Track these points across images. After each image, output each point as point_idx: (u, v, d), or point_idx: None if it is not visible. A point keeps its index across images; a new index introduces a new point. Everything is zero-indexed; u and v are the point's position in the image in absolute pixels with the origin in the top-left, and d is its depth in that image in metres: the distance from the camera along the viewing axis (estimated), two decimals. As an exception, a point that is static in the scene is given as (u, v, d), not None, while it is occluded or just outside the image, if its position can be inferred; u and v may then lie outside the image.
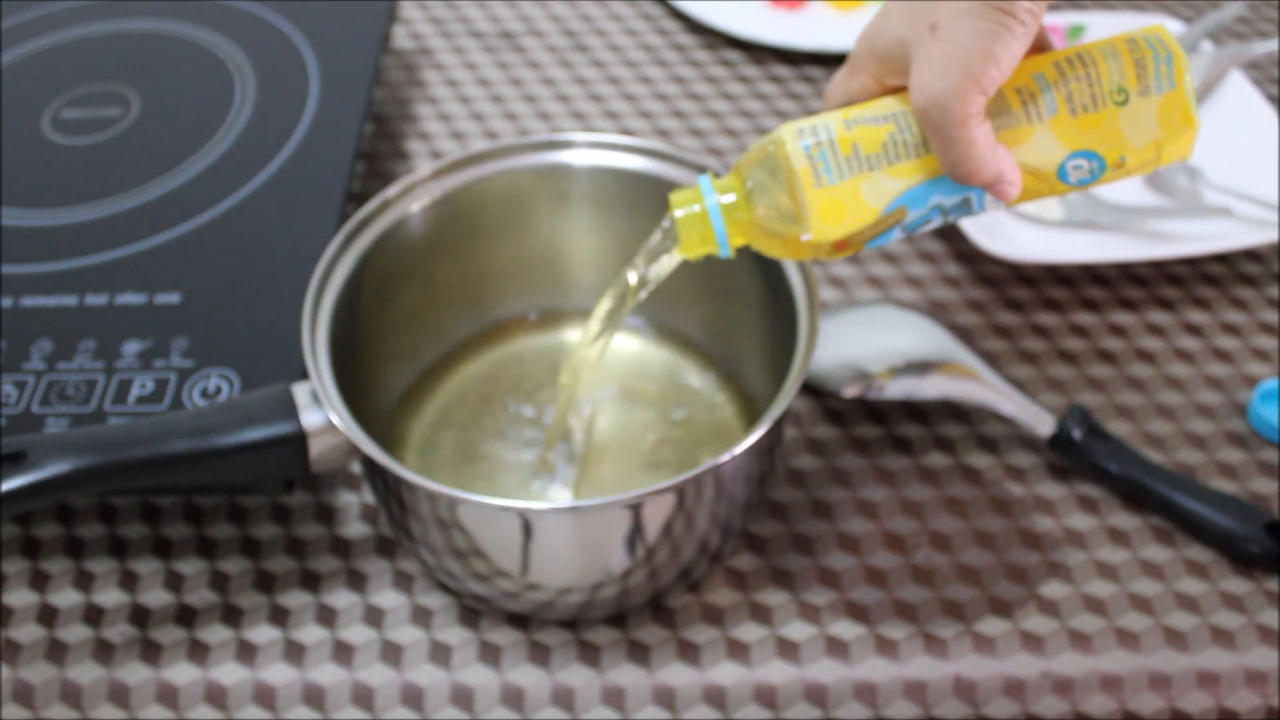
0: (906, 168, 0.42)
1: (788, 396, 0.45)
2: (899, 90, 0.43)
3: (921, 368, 0.57)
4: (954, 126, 0.39)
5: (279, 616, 0.50)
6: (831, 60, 0.77)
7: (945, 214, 0.43)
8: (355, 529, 0.53)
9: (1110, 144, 0.42)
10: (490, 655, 0.49)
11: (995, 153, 0.40)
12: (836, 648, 0.49)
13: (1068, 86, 0.41)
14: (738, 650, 0.49)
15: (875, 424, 0.57)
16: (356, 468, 0.55)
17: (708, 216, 0.44)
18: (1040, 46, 0.43)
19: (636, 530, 0.44)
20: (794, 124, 0.43)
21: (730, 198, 0.44)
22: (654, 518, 0.44)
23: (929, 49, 0.40)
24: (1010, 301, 0.63)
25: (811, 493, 0.54)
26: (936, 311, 0.61)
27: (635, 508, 0.44)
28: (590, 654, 0.49)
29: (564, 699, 0.48)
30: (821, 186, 0.42)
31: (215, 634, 0.49)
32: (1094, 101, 0.41)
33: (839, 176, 0.42)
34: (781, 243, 0.43)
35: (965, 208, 0.43)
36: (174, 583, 0.51)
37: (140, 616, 0.50)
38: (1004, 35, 0.38)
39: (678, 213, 0.44)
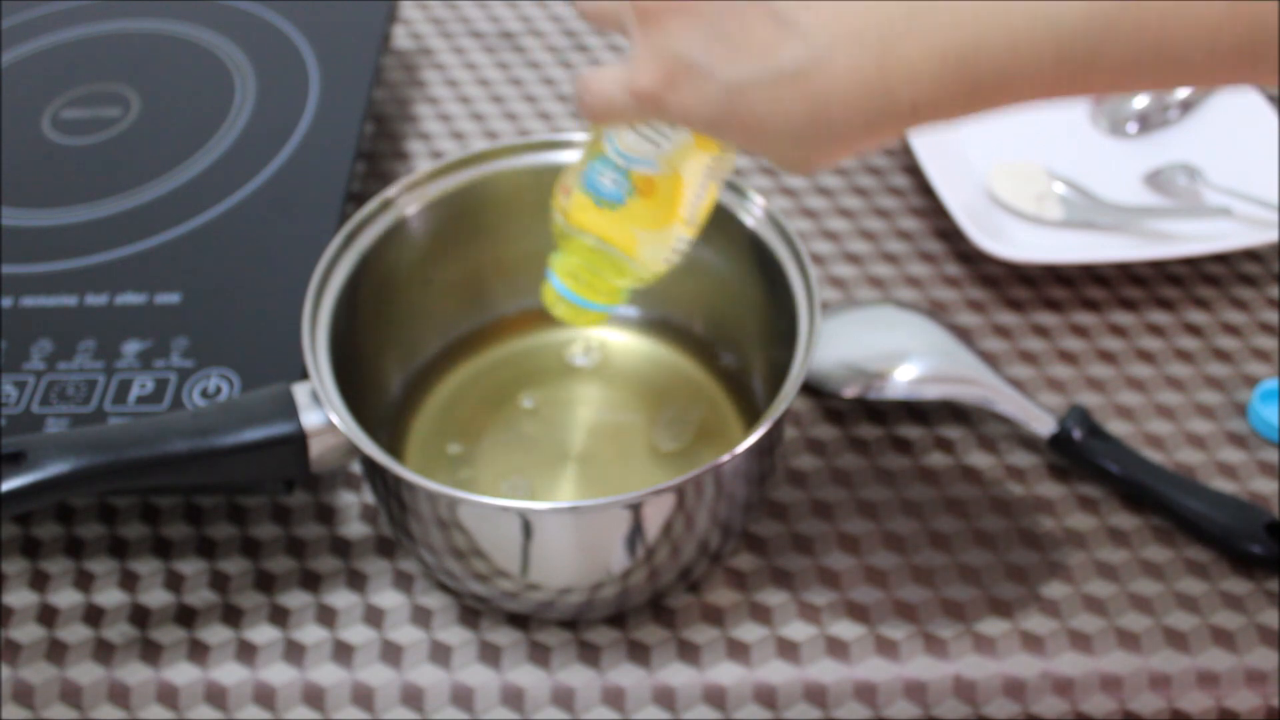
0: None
1: (788, 396, 0.45)
2: None
3: (921, 368, 0.56)
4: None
5: (279, 616, 0.50)
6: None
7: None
8: (355, 529, 0.53)
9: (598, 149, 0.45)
10: (490, 655, 0.49)
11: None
12: (836, 648, 0.49)
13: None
14: (738, 650, 0.49)
15: (875, 424, 0.57)
16: (356, 468, 0.55)
17: (566, 300, 0.47)
18: None
19: (636, 530, 0.44)
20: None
21: (570, 265, 0.47)
22: (654, 518, 0.44)
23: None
24: (1010, 301, 0.63)
25: (811, 493, 0.54)
26: (936, 311, 0.61)
27: (635, 508, 0.44)
28: (590, 654, 0.49)
29: (564, 699, 0.48)
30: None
31: (215, 634, 0.49)
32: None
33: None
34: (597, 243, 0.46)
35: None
36: (174, 583, 0.51)
37: (140, 616, 0.50)
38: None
39: (558, 312, 0.48)
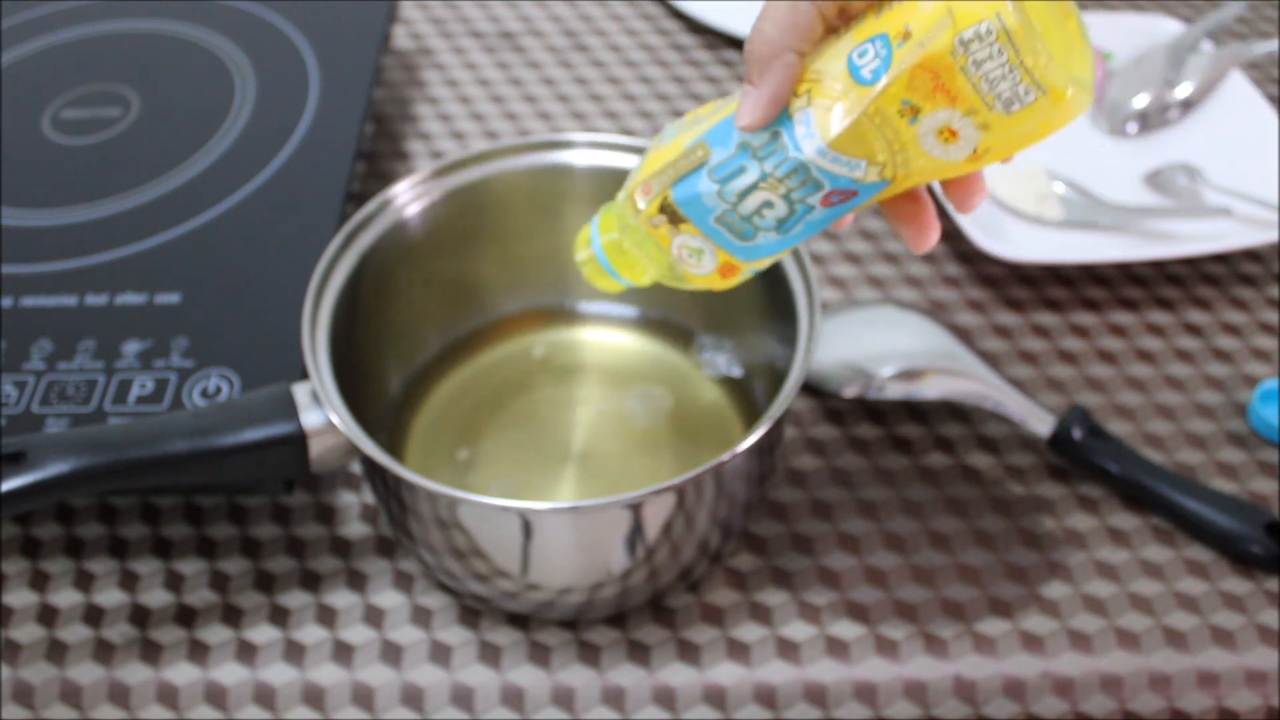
0: (718, 114, 0.40)
1: (788, 397, 0.45)
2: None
3: (921, 368, 0.56)
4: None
5: (279, 616, 0.50)
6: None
7: (758, 158, 0.39)
8: (355, 529, 0.53)
9: (896, 20, 0.36)
10: (490, 655, 0.49)
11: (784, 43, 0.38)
12: (836, 648, 0.49)
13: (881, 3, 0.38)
14: (738, 650, 0.49)
15: (875, 424, 0.57)
16: (356, 468, 0.55)
17: (598, 261, 0.44)
18: None
19: (636, 530, 0.44)
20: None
21: (613, 236, 0.44)
22: (654, 518, 0.44)
23: None
24: (1010, 301, 0.63)
25: (811, 493, 0.54)
26: (936, 311, 0.61)
27: (635, 508, 0.44)
28: (590, 654, 0.49)
29: (564, 699, 0.48)
30: (652, 150, 0.42)
31: (215, 634, 0.49)
32: None
33: (669, 135, 0.41)
34: (638, 240, 0.43)
35: (777, 144, 0.39)
36: (174, 583, 0.51)
37: (140, 616, 0.50)
38: None
39: (578, 257, 0.45)
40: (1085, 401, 0.58)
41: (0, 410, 0.51)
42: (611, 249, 0.44)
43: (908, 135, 0.37)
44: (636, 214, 0.42)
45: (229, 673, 0.48)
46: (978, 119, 0.36)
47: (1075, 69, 0.36)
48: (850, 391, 0.56)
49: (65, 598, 0.50)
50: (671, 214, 0.41)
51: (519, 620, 0.50)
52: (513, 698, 0.48)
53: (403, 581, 0.51)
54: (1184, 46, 0.72)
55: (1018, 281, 0.64)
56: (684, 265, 0.42)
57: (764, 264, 0.42)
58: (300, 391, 0.46)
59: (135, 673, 0.48)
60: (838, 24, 0.38)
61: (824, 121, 0.38)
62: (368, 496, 0.54)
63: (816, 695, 0.48)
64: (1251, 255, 0.65)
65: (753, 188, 0.40)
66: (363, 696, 0.48)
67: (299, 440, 0.45)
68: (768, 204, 0.40)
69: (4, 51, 0.71)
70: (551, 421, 0.56)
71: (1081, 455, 0.54)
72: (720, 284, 0.43)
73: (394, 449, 0.54)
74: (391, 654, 0.49)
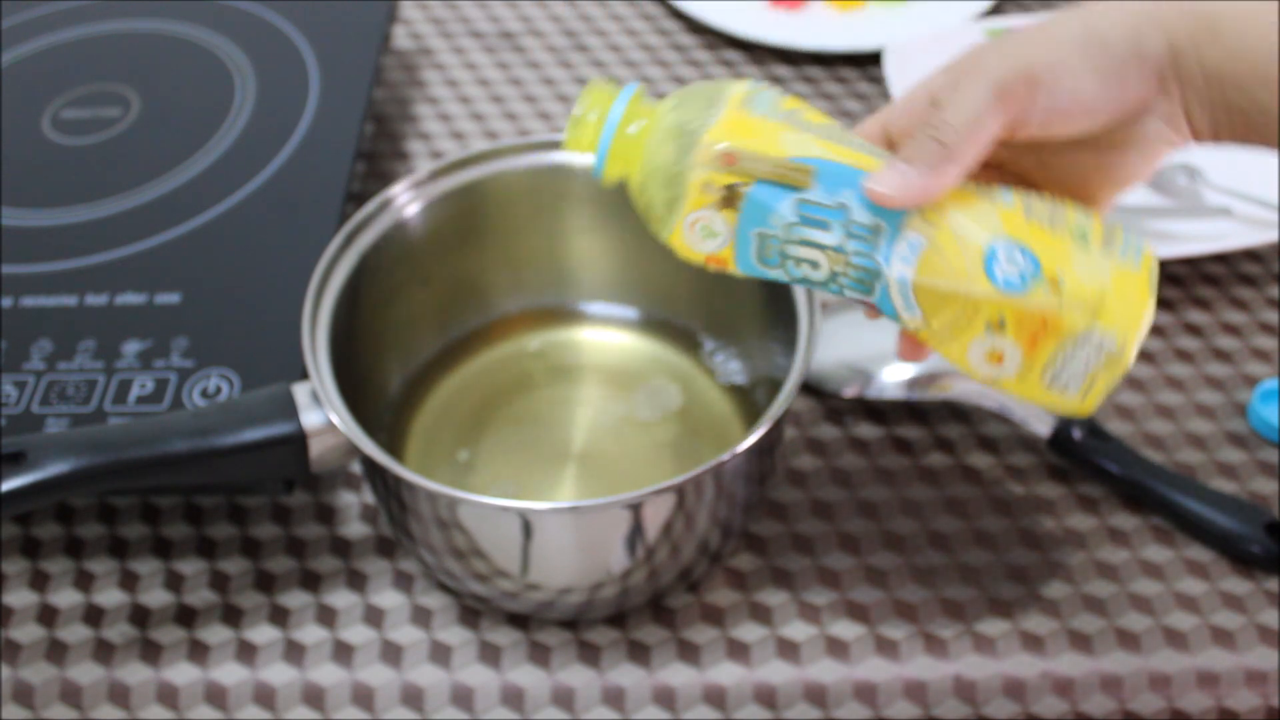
0: (838, 150, 0.38)
1: (788, 396, 0.45)
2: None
3: (922, 367, 0.56)
4: (973, 97, 0.38)
5: (279, 616, 0.50)
6: (832, 60, 0.77)
7: (848, 231, 0.38)
8: (355, 529, 0.53)
9: (1053, 256, 0.37)
10: (490, 655, 0.49)
11: (951, 156, 0.37)
12: (836, 648, 0.49)
13: (1029, 200, 0.38)
14: (738, 650, 0.49)
15: (875, 424, 0.57)
16: (356, 468, 0.55)
17: (600, 130, 0.40)
18: None
19: (636, 530, 0.44)
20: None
21: (639, 124, 0.40)
22: (654, 518, 0.44)
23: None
24: (1010, 301, 0.62)
25: (811, 493, 0.54)
26: (936, 311, 0.61)
27: (635, 508, 0.44)
28: (590, 654, 0.49)
29: (564, 699, 0.48)
30: (743, 111, 0.39)
31: (215, 634, 0.49)
32: (1051, 221, 0.38)
33: (767, 113, 0.39)
34: (663, 170, 0.39)
35: (872, 239, 0.38)
36: (174, 583, 0.51)
37: (140, 616, 0.50)
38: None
39: (580, 111, 0.40)
40: (1085, 401, 0.58)
41: (0, 410, 0.51)
42: (622, 138, 0.40)
43: (976, 330, 0.38)
44: (699, 164, 0.38)
45: (229, 673, 0.48)
46: (1027, 369, 0.38)
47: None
48: (850, 391, 0.56)
49: (65, 598, 0.50)
50: (729, 197, 0.38)
51: (519, 620, 0.50)
52: (513, 698, 0.48)
53: (403, 581, 0.51)
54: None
55: (1018, 281, 0.63)
56: (686, 232, 0.39)
57: (747, 276, 0.42)
58: (300, 391, 0.46)
59: (135, 673, 0.48)
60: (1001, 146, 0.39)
61: (931, 268, 0.38)
62: (368, 496, 0.54)
63: (816, 695, 0.48)
64: (1251, 255, 0.65)
65: (819, 246, 0.39)
66: (363, 696, 0.48)
67: (299, 440, 0.45)
68: (815, 264, 0.39)
69: (4, 51, 0.71)
70: (551, 421, 0.56)
71: (1081, 455, 0.54)
72: (697, 261, 0.41)
73: (394, 449, 0.54)
74: (391, 654, 0.49)
